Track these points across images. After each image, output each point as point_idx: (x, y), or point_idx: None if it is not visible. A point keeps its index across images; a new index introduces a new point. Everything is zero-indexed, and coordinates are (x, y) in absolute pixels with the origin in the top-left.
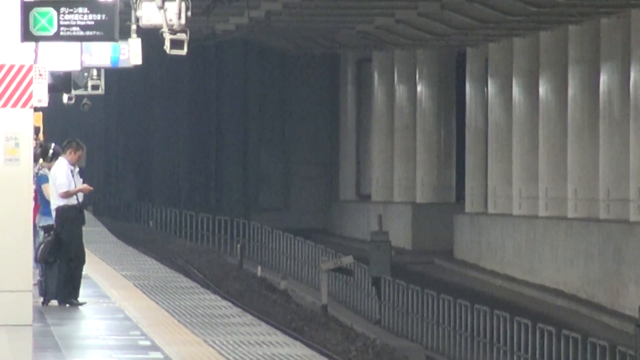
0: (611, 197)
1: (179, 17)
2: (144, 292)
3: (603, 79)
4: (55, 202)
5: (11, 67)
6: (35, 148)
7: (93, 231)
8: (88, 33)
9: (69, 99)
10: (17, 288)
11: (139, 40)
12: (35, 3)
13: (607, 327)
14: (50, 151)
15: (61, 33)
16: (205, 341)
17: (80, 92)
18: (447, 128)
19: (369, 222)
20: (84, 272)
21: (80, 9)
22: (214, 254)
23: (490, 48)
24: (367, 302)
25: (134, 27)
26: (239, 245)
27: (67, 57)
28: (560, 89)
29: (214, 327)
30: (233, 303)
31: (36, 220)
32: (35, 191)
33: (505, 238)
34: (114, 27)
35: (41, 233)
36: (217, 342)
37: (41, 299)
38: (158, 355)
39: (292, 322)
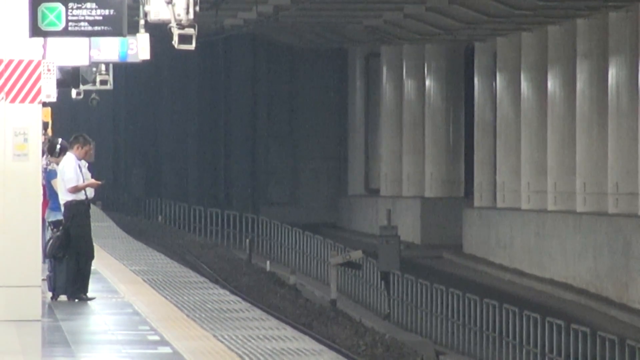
0: (620, 191)
1: (187, 12)
2: (153, 287)
3: (611, 72)
4: (64, 197)
5: (20, 62)
6: (43, 143)
7: (102, 226)
8: (96, 28)
9: (78, 94)
10: (26, 283)
11: (147, 35)
12: None
13: (616, 321)
14: (58, 146)
15: (69, 28)
16: (214, 336)
17: (88, 87)
18: (455, 122)
19: (378, 217)
20: (92, 267)
21: (88, 4)
22: (223, 248)
23: (499, 42)
24: (376, 297)
25: (142, 22)
26: (247, 240)
27: (76, 52)
28: (569, 83)
29: (222, 322)
30: (242, 298)
31: (45, 216)
32: (44, 186)
33: (514, 232)
34: (122, 22)
35: (50, 228)
36: (226, 336)
37: (50, 294)
38: (167, 349)
39: (301, 317)
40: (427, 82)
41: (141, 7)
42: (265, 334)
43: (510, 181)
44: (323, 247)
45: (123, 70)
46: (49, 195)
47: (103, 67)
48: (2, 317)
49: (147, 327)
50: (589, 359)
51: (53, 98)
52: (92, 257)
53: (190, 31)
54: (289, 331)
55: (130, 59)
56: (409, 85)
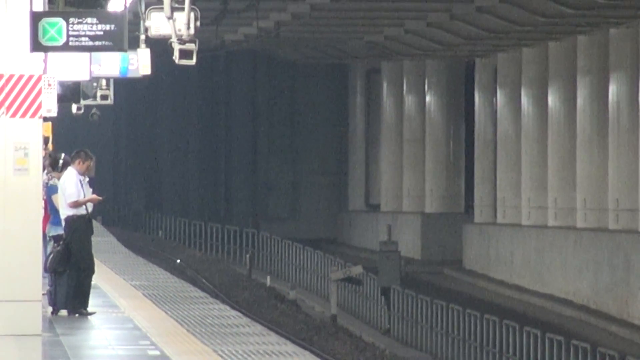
0: (620, 207)
1: (188, 27)
2: (154, 302)
3: (612, 89)
4: (65, 212)
5: (20, 77)
6: (44, 158)
7: (102, 241)
8: (97, 43)
9: (78, 109)
10: (26, 298)
11: (148, 50)
12: (44, 13)
13: (616, 337)
14: (60, 161)
15: (70, 43)
16: (215, 351)
17: (89, 102)
18: (456, 138)
19: (378, 232)
20: (93, 282)
21: (89, 19)
22: (223, 263)
23: (499, 58)
24: (377, 312)
25: (142, 37)
26: (248, 255)
27: (76, 67)
28: (569, 99)
29: (223, 337)
30: (242, 313)
31: (46, 230)
32: (45, 201)
33: (515, 248)
34: (123, 37)
35: (51, 243)
36: (226, 351)
37: (50, 309)
38: None
39: (301, 332)
40: (428, 98)
41: (142, 22)
42: (265, 349)
43: (511, 197)
44: (323, 263)
45: (124, 85)
46: (50, 209)
47: (104, 82)
48: (2, 332)
49: (148, 342)
50: None
51: (54, 113)
52: (92, 271)
53: (191, 46)
54: (289, 346)
55: (130, 74)
56: (409, 100)
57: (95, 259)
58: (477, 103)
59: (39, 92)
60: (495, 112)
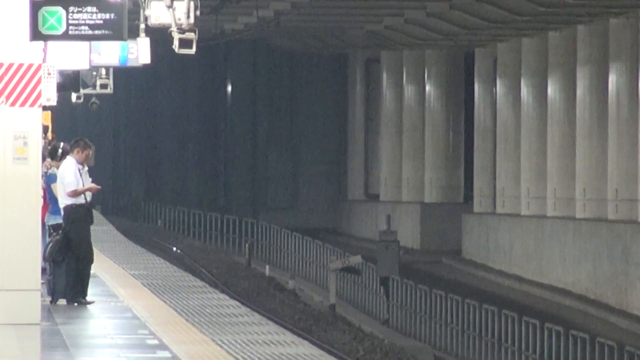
0: (619, 197)
1: (188, 16)
2: (152, 291)
3: (612, 79)
4: (63, 201)
5: (20, 65)
6: (43, 147)
7: (101, 230)
8: (97, 32)
9: (78, 98)
10: (25, 287)
11: (148, 39)
12: (44, 2)
13: (615, 327)
14: (60, 150)
15: (70, 32)
16: (214, 340)
17: (88, 91)
18: (455, 128)
19: (377, 222)
20: (92, 271)
21: (89, 8)
22: (222, 253)
23: (499, 48)
24: (375, 302)
25: (142, 26)
26: (247, 245)
27: (76, 56)
28: (569, 89)
29: (222, 326)
30: (241, 302)
31: (45, 219)
32: (44, 190)
33: (514, 238)
34: (123, 26)
35: (50, 232)
36: (225, 341)
37: (49, 298)
38: (166, 354)
39: (300, 322)
40: (427, 88)
41: (142, 11)
42: (264, 338)
43: (510, 187)
44: (322, 252)
45: (123, 74)
46: (49, 198)
47: (103, 71)
48: (1, 321)
49: (146, 331)
50: None
51: (53, 102)
52: (91, 260)
53: (191, 35)
54: (288, 336)
55: (130, 63)
56: (409, 90)
57: (94, 248)
58: (477, 93)
59: (39, 81)
60: (495, 102)
